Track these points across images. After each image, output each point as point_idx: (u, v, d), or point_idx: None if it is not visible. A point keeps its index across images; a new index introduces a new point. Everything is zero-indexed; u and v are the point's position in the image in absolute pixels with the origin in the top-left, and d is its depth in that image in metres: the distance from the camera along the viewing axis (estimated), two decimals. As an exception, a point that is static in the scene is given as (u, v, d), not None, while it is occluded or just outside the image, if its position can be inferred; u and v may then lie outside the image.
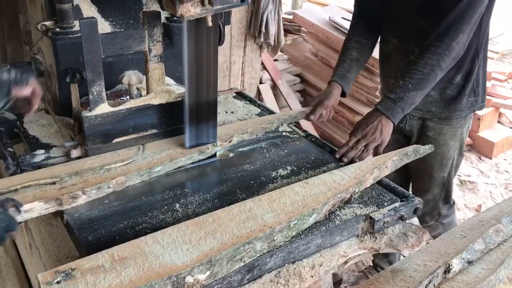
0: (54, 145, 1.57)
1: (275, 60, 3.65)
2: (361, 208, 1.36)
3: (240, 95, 2.10)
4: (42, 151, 1.52)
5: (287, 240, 1.20)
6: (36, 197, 1.25)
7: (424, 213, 2.14)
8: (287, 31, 4.27)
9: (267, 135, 1.75)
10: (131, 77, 1.52)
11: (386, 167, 1.51)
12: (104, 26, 1.73)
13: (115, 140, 1.48)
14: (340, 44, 3.35)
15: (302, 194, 1.32)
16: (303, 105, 3.83)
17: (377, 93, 3.20)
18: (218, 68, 2.97)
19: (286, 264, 1.22)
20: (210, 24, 1.32)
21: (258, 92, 3.43)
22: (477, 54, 1.89)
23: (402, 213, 1.38)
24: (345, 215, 1.32)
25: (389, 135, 1.71)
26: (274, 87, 3.52)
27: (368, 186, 1.45)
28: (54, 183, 1.32)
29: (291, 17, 4.04)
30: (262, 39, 3.11)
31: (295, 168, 1.54)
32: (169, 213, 1.29)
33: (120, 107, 1.45)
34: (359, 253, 1.37)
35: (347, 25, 3.36)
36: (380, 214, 1.34)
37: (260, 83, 3.44)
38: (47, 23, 1.75)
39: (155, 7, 1.79)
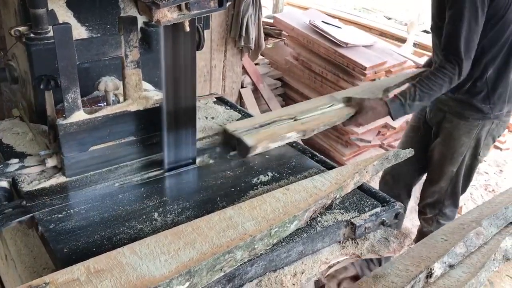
0: (29, 154, 1.53)
1: (256, 64, 3.64)
2: (342, 213, 1.35)
3: (221, 100, 2.07)
4: (16, 160, 1.48)
5: (268, 248, 1.18)
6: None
7: (427, 203, 2.29)
8: (268, 35, 4.26)
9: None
10: (108, 83, 1.49)
11: (367, 171, 1.51)
12: (80, 32, 1.70)
13: (91, 148, 1.44)
14: (320, 47, 3.37)
15: (283, 201, 1.30)
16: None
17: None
18: (199, 73, 2.96)
19: (268, 273, 1.21)
20: (187, 29, 1.30)
21: (240, 96, 3.41)
22: (488, 64, 1.97)
23: (384, 218, 1.38)
24: (327, 221, 1.31)
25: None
26: (256, 91, 3.50)
27: (349, 191, 1.45)
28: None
29: (271, 21, 4.03)
30: (242, 43, 3.09)
31: (276, 174, 1.52)
32: (148, 222, 1.26)
33: (97, 114, 1.41)
34: (341, 259, 1.36)
35: (327, 28, 3.38)
36: (362, 220, 1.33)
37: (242, 87, 3.42)
38: (21, 28, 1.70)
39: (133, 12, 1.76)
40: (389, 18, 6.90)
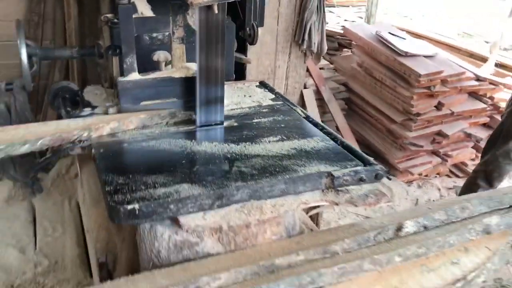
0: (96, 105, 2.01)
1: (321, 68, 3.95)
2: (326, 166, 1.63)
3: (262, 85, 2.43)
4: (89, 109, 1.96)
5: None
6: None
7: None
8: (340, 45, 4.55)
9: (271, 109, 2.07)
10: (160, 55, 1.92)
11: (131, 121, 1.78)
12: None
13: (142, 103, 1.87)
14: (381, 55, 3.59)
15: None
16: (346, 112, 4.07)
17: (412, 102, 3.38)
18: (263, 70, 3.33)
19: (252, 200, 1.52)
20: (216, 11, 1.68)
21: (301, 96, 3.73)
22: None
23: (362, 175, 1.63)
24: (310, 169, 1.60)
25: None
26: (318, 92, 3.80)
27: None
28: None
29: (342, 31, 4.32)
30: (305, 46, 3.42)
31: (284, 136, 1.84)
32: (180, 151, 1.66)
33: (148, 76, 1.85)
34: (321, 204, 1.63)
35: (391, 38, 3.59)
36: (340, 173, 1.59)
37: (304, 87, 3.74)
38: (109, 15, 2.22)
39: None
40: (487, 42, 6.79)
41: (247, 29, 2.58)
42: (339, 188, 1.64)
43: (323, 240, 1.50)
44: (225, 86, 2.31)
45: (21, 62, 1.97)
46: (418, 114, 3.40)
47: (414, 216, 1.68)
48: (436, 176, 3.77)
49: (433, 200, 3.49)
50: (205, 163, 1.62)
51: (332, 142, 1.81)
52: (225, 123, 1.93)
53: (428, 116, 3.45)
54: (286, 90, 3.65)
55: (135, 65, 1.82)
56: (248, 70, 3.36)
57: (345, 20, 6.49)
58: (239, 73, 3.43)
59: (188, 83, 1.89)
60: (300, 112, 2.10)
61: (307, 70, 3.76)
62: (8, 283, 2.49)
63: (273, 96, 2.28)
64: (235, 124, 1.94)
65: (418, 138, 3.49)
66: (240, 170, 1.58)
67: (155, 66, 1.97)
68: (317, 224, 2.35)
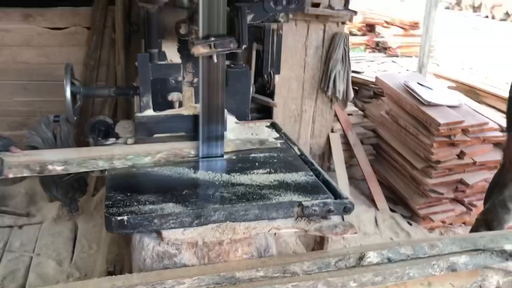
0: (121, 136, 2.35)
1: (349, 114, 4.14)
2: (299, 197, 1.83)
3: (272, 125, 2.68)
4: (113, 139, 2.31)
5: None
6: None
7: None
8: (376, 94, 4.74)
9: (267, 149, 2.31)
10: (174, 95, 2.25)
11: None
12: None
13: (155, 135, 2.19)
14: (407, 104, 3.74)
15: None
16: (374, 156, 4.20)
17: (432, 150, 3.47)
18: (289, 114, 3.60)
19: (228, 221, 1.75)
20: (215, 60, 1.99)
21: (328, 139, 3.93)
22: None
23: (331, 207, 1.81)
24: (282, 199, 1.81)
25: None
26: (345, 137, 3.99)
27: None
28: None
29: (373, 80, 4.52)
30: (329, 93, 3.66)
31: (271, 169, 2.07)
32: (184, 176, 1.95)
33: (160, 113, 2.17)
34: (292, 231, 1.83)
35: (417, 88, 3.75)
36: (310, 203, 1.79)
37: (332, 131, 3.95)
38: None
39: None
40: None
41: (265, 76, 2.88)
42: (311, 218, 1.84)
43: (286, 261, 1.70)
44: (237, 125, 2.61)
45: (66, 98, 2.37)
46: (438, 162, 3.48)
47: (379, 248, 1.83)
48: (461, 225, 3.77)
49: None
50: (193, 188, 1.88)
51: (314, 177, 2.02)
52: (225, 156, 2.19)
53: (449, 164, 3.52)
54: (313, 133, 3.88)
55: (151, 103, 2.15)
56: (275, 113, 3.65)
57: (407, 70, 6.68)
58: (267, 115, 3.73)
59: (195, 120, 2.19)
60: (296, 150, 2.32)
61: (335, 115, 3.98)
62: (43, 289, 2.85)
63: (277, 135, 2.52)
64: (234, 157, 2.20)
65: (439, 185, 3.55)
66: (222, 195, 1.83)
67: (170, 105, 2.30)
68: (322, 241, 2.52)
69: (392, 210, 3.73)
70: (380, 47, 9.17)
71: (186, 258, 1.72)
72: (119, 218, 1.64)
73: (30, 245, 3.25)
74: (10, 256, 3.12)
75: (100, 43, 3.58)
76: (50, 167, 1.96)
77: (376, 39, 9.21)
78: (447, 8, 17.29)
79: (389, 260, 1.80)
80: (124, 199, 1.76)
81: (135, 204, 1.73)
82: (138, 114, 2.15)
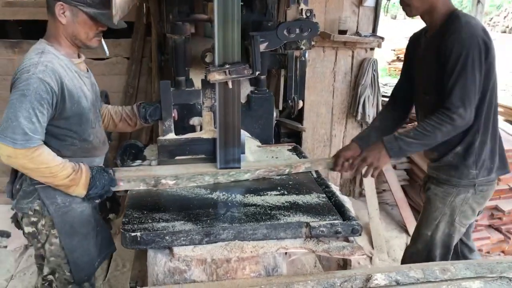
0: (148, 159, 2.49)
1: (381, 139, 4.13)
2: (307, 218, 1.87)
3: (294, 149, 2.74)
4: (139, 161, 2.45)
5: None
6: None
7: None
8: (411, 118, 4.68)
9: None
10: (195, 120, 2.37)
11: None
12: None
13: (176, 158, 2.31)
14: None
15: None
16: (408, 181, 4.14)
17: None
18: (319, 139, 3.65)
19: (236, 240, 1.82)
20: (230, 86, 2.09)
21: (359, 164, 3.92)
22: (478, 129, 2.20)
23: (338, 228, 1.84)
24: (291, 219, 1.86)
25: (384, 164, 2.23)
26: (376, 162, 3.97)
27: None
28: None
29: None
30: (359, 118, 3.68)
31: (285, 191, 2.12)
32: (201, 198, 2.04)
33: (182, 137, 2.29)
34: (300, 251, 1.87)
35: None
36: (317, 224, 1.83)
37: (363, 156, 3.95)
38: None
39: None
40: None
41: (289, 101, 2.97)
42: (321, 239, 1.87)
43: (291, 281, 1.73)
44: (259, 148, 2.70)
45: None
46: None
47: (388, 270, 1.82)
48: (499, 254, 3.62)
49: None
50: (207, 207, 1.96)
51: (325, 199, 2.06)
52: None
53: (483, 190, 3.42)
54: (344, 157, 3.90)
55: (172, 127, 2.28)
56: (304, 138, 3.72)
57: None
58: (296, 140, 3.80)
59: (214, 143, 2.30)
60: (313, 173, 2.37)
61: (367, 140, 3.99)
62: (76, 305, 2.99)
63: (297, 159, 2.58)
64: (250, 179, 2.28)
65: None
66: (232, 215, 1.90)
67: (192, 129, 2.43)
68: (345, 265, 2.52)
69: (424, 237, 3.65)
70: (427, 73, 9.01)
71: (195, 275, 1.79)
72: (133, 234, 1.74)
73: (68, 263, 3.43)
74: (49, 272, 3.30)
75: (139, 72, 3.80)
76: (163, 181, 2.13)
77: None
78: (504, 32, 16.86)
79: (397, 283, 1.79)
80: (140, 217, 1.86)
81: (150, 221, 1.83)
82: (161, 138, 2.28)
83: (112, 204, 2.86)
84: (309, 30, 2.15)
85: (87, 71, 2.13)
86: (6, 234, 3.56)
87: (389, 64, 10.30)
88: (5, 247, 3.49)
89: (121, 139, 3.68)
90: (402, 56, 9.78)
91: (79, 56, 2.07)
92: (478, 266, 1.90)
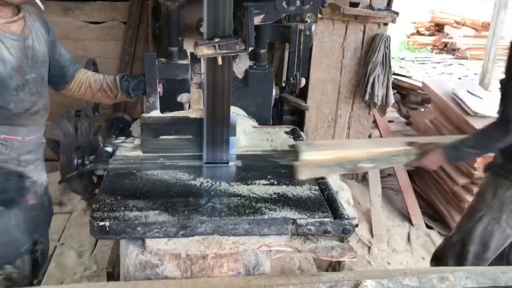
0: (133, 135, 2.32)
1: (390, 121, 3.90)
2: (294, 213, 1.70)
3: (292, 132, 2.54)
4: (123, 138, 2.28)
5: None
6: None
7: (434, 254, 2.36)
8: (424, 100, 4.44)
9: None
10: (183, 96, 2.18)
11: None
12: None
13: (161, 137, 2.13)
14: (452, 114, 3.47)
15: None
16: (415, 167, 3.92)
17: (475, 165, 3.19)
18: (323, 118, 3.44)
19: (215, 235, 1.66)
20: (220, 62, 1.89)
21: (364, 147, 3.72)
22: None
23: (328, 227, 1.66)
24: (276, 214, 1.69)
25: (436, 167, 2.12)
26: (383, 145, 3.76)
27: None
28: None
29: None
30: (367, 98, 3.45)
31: (275, 181, 1.94)
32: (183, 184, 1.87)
33: (167, 115, 2.11)
34: (284, 249, 1.70)
35: (465, 98, 3.46)
36: (305, 221, 1.66)
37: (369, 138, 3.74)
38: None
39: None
40: None
41: (290, 78, 2.75)
42: (309, 237, 1.70)
43: (272, 283, 1.58)
44: (254, 129, 2.51)
45: (85, 94, 2.36)
46: (481, 178, 3.19)
47: (379, 276, 1.66)
48: (506, 249, 3.44)
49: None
50: (186, 196, 1.79)
51: (318, 192, 1.88)
52: (231, 163, 2.10)
53: (494, 182, 3.21)
54: (348, 139, 3.69)
55: (157, 104, 2.09)
56: (308, 117, 3.51)
57: (475, 74, 6.23)
58: (299, 118, 3.59)
59: (201, 123, 2.11)
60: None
61: (374, 121, 3.76)
62: (60, 280, 2.89)
63: (294, 142, 2.38)
64: (240, 165, 2.10)
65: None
66: (213, 206, 1.73)
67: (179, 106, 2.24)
68: (337, 267, 2.36)
69: (428, 227, 3.47)
70: (448, 49, 8.72)
71: (168, 270, 1.65)
72: (101, 223, 1.59)
73: (57, 234, 3.32)
74: (36, 243, 3.20)
75: (135, 38, 3.60)
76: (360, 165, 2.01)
77: (444, 40, 8.74)
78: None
79: (389, 291, 1.63)
80: (112, 203, 1.71)
81: (122, 209, 1.67)
82: (144, 115, 2.10)
83: (100, 179, 2.71)
84: (311, 2, 1.91)
85: (25, 32, 1.87)
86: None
87: (408, 37, 9.93)
88: (-7, 215, 3.39)
89: (115, 110, 3.51)
90: (422, 30, 9.40)
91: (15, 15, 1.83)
92: (481, 276, 1.73)
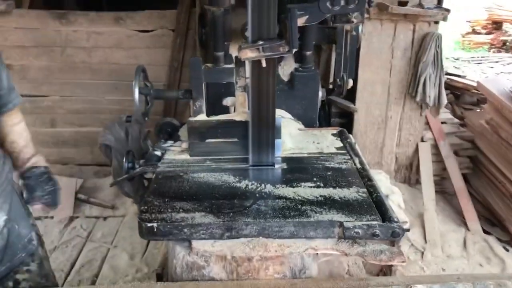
0: (181, 139, 2.35)
1: (443, 122, 3.75)
2: (341, 216, 1.66)
3: (339, 133, 2.49)
4: (171, 142, 2.32)
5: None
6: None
7: None
8: (479, 101, 4.26)
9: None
10: (228, 100, 2.19)
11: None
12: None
13: (207, 140, 2.16)
14: (511, 114, 3.30)
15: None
16: (472, 170, 3.76)
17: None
18: (372, 120, 3.39)
19: (260, 237, 1.65)
20: (264, 65, 1.89)
21: (416, 149, 3.60)
22: None
23: (376, 231, 1.61)
24: (323, 217, 1.65)
25: None
26: (436, 147, 3.62)
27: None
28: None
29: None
30: (418, 99, 3.34)
31: (321, 183, 1.91)
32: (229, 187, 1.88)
33: (213, 118, 2.13)
34: (331, 253, 1.67)
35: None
36: (352, 224, 1.62)
37: (422, 141, 3.61)
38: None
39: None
40: None
41: (337, 80, 2.72)
42: (357, 240, 1.66)
43: (318, 286, 1.55)
44: (300, 132, 2.49)
45: (134, 100, 2.44)
46: (543, 181, 3.01)
47: (432, 281, 1.60)
48: None
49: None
50: (232, 198, 1.80)
51: (366, 194, 1.83)
52: (276, 165, 2.08)
53: (558, 186, 3.03)
54: (399, 141, 3.59)
55: (203, 108, 2.12)
56: (356, 119, 3.45)
57: None
58: (347, 121, 3.54)
59: (247, 126, 2.11)
60: (357, 162, 2.13)
61: (427, 122, 3.64)
62: (113, 281, 2.98)
63: (341, 145, 2.34)
64: (285, 167, 2.08)
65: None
66: (258, 208, 1.73)
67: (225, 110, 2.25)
68: (388, 273, 2.28)
69: (486, 232, 3.31)
70: (507, 47, 8.33)
71: (214, 272, 1.65)
72: (149, 224, 1.62)
73: (110, 237, 3.44)
74: (91, 245, 3.33)
75: (184, 45, 3.67)
76: None
77: (502, 38, 8.35)
78: None
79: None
80: (159, 205, 1.74)
81: (169, 211, 1.70)
82: (191, 119, 2.13)
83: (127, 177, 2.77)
84: (356, 1, 1.88)
85: None
86: (52, 205, 3.62)
87: (463, 36, 9.56)
88: (52, 217, 3.55)
89: (164, 115, 3.60)
90: (478, 28, 9.01)
91: None
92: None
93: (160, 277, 2.16)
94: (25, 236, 1.96)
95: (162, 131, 2.73)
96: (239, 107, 2.13)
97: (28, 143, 2.02)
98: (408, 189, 3.69)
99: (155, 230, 1.62)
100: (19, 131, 1.97)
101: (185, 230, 1.62)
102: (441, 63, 3.29)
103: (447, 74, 4.02)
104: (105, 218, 3.69)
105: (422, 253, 3.06)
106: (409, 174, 3.69)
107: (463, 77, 4.68)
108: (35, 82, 3.88)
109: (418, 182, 3.69)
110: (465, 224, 3.35)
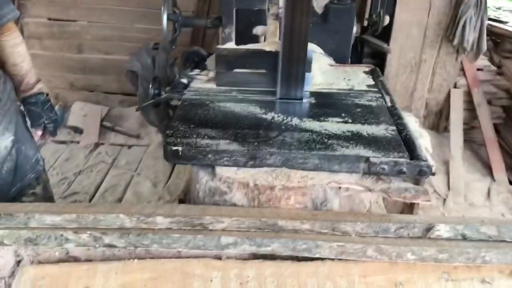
0: (208, 69, 2.32)
1: (479, 69, 3.60)
2: (368, 152, 1.63)
3: (371, 71, 2.41)
4: (198, 70, 2.29)
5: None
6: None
7: None
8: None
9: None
10: (258, 29, 2.12)
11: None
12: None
13: (234, 70, 2.11)
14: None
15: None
16: (504, 120, 3.64)
17: None
18: (405, 63, 3.28)
19: (284, 167, 1.64)
20: (299, -6, 1.80)
21: (448, 96, 3.48)
22: None
23: (403, 168, 1.58)
24: (349, 151, 1.63)
25: None
26: (469, 94, 3.50)
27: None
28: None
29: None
30: (455, 43, 3.19)
31: (349, 119, 1.87)
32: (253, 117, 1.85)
33: (242, 47, 2.07)
34: (354, 188, 1.65)
35: None
36: (378, 160, 1.59)
37: (455, 87, 3.49)
38: None
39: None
40: None
41: (373, 15, 2.60)
42: (382, 177, 1.64)
43: (339, 219, 1.54)
44: (331, 68, 2.42)
45: (162, 27, 2.39)
46: None
47: (455, 222, 1.57)
48: None
49: None
50: (257, 128, 1.78)
51: (395, 132, 1.78)
52: (304, 100, 2.04)
53: None
54: (431, 86, 3.48)
55: (233, 36, 2.06)
56: (389, 61, 3.34)
57: None
58: (380, 62, 3.43)
59: (277, 57, 2.06)
60: (388, 101, 2.07)
61: (462, 68, 3.50)
62: (136, 206, 3.06)
63: (372, 83, 2.27)
64: (313, 101, 2.04)
65: None
66: (283, 140, 1.70)
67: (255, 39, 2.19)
68: (410, 212, 2.26)
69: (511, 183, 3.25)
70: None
71: (236, 198, 1.66)
72: (174, 148, 1.62)
73: (134, 165, 3.50)
74: (115, 172, 3.40)
75: (215, -26, 3.54)
76: None
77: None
78: None
79: (464, 238, 1.54)
80: (185, 130, 1.73)
81: (194, 136, 1.69)
82: (219, 46, 2.07)
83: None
84: None
85: None
86: (79, 130, 3.68)
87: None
88: (77, 142, 3.62)
89: (192, 44, 3.54)
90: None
91: None
92: None
93: (182, 203, 2.20)
94: (32, 157, 1.98)
95: (189, 60, 2.70)
96: (269, 36, 2.06)
97: (32, 67, 1.97)
98: (436, 136, 3.61)
99: (180, 153, 1.62)
100: (22, 53, 1.89)
101: (210, 156, 1.62)
102: (485, 5, 3.10)
103: (489, 19, 3.80)
104: (129, 147, 3.74)
105: (444, 200, 3.03)
106: (438, 121, 3.60)
107: (505, 23, 4.43)
108: (63, 5, 3.83)
109: (446, 130, 3.60)
110: (490, 174, 3.29)
